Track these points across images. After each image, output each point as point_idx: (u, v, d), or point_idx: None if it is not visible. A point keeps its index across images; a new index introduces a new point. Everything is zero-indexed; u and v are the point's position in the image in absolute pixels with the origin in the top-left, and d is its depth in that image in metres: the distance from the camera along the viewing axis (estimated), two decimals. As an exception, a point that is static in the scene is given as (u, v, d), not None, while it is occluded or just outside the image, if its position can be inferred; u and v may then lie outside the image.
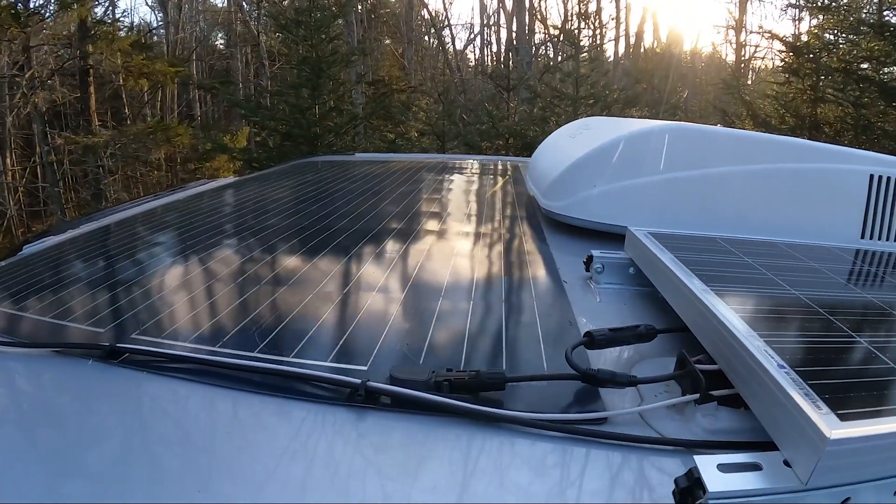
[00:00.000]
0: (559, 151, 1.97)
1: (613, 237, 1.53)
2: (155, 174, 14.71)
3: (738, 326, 0.77)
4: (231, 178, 3.11)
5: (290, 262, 1.40)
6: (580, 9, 14.01)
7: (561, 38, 15.09)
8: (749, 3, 19.00)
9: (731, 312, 0.82)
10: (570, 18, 19.01)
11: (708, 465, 0.58)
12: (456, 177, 2.97)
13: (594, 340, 0.87)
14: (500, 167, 3.41)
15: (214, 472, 0.66)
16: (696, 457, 0.59)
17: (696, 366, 0.76)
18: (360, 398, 0.77)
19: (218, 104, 19.27)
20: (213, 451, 0.70)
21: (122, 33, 11.57)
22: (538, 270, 1.37)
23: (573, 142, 1.96)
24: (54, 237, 1.74)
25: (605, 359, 0.92)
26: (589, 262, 1.29)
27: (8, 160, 12.98)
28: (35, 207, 13.79)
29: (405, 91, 12.92)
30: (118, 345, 0.90)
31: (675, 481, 0.59)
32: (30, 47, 10.86)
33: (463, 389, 0.78)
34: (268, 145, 9.65)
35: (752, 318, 0.82)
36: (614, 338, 0.87)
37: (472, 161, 3.77)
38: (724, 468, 0.58)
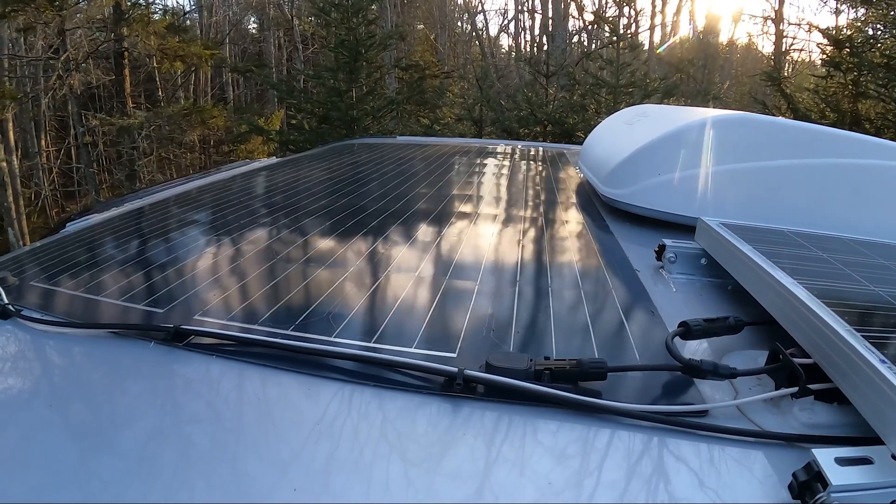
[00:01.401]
0: (618, 139, 1.94)
1: (673, 226, 1.52)
2: (189, 156, 14.89)
3: (835, 321, 0.76)
4: (275, 159, 3.06)
5: (354, 244, 1.38)
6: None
7: (596, 26, 14.91)
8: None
9: (824, 307, 0.81)
10: (604, 7, 18.83)
11: (825, 459, 0.58)
12: (505, 162, 2.92)
13: (690, 331, 0.85)
14: (546, 154, 3.37)
15: (307, 461, 0.64)
16: (814, 450, 0.59)
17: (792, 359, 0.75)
18: (459, 387, 0.74)
19: (250, 87, 19.40)
20: (303, 442, 0.67)
21: (157, 16, 11.65)
22: (609, 258, 1.35)
23: (632, 129, 1.93)
24: (98, 215, 1.71)
25: (687, 350, 0.90)
26: (660, 251, 1.27)
27: (43, 141, 13.26)
28: (69, 188, 14.04)
29: (439, 76, 12.84)
30: (182, 326, 0.88)
31: (794, 475, 0.58)
32: (65, 30, 10.99)
33: (564, 379, 0.76)
34: (302, 128, 9.64)
35: (842, 312, 0.80)
36: (708, 329, 0.86)
37: (516, 147, 3.74)
38: (840, 462, 0.58)
